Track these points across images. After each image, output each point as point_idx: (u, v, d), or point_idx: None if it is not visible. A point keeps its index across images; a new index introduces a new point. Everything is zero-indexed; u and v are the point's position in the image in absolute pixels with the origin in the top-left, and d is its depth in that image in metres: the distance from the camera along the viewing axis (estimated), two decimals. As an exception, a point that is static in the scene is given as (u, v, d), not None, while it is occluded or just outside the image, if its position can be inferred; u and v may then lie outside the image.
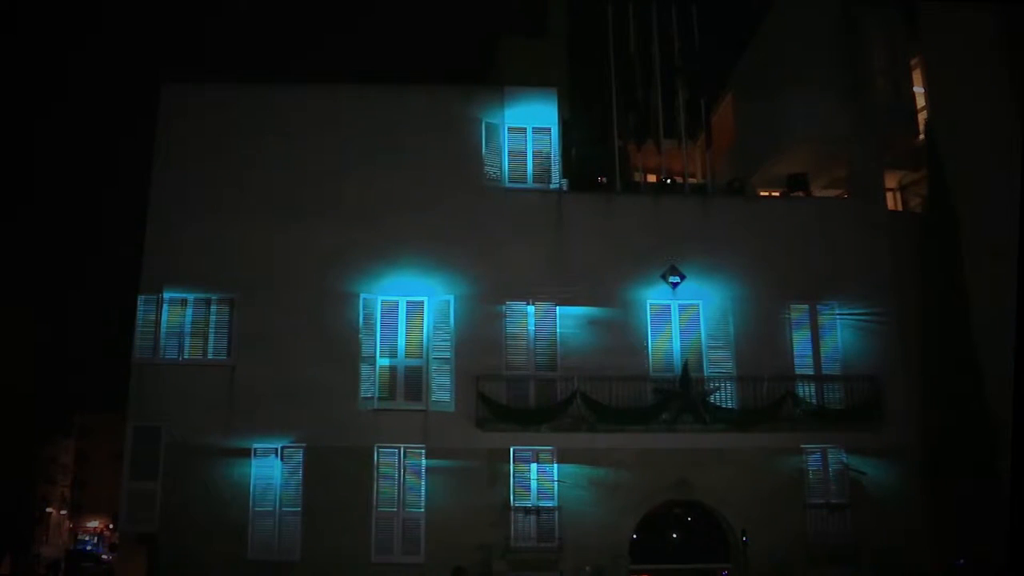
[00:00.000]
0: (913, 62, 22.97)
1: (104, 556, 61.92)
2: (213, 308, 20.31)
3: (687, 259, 20.82)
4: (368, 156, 21.18)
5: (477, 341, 20.12)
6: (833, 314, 20.83)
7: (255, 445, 19.55)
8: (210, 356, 20.09)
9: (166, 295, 20.26)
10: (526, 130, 21.59)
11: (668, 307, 20.71)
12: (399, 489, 19.50)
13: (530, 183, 21.37)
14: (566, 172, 21.87)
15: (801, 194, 22.12)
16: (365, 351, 20.12)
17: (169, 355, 20.06)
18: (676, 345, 20.49)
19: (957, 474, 19.27)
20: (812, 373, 20.50)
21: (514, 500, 19.47)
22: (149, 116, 21.50)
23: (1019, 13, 21.04)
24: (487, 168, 21.29)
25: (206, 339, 20.20)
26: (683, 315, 20.68)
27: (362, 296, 20.39)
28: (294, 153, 21.13)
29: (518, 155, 21.48)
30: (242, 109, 21.52)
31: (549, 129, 21.60)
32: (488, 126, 21.49)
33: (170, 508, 19.14)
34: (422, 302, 20.45)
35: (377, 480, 19.50)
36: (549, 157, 21.49)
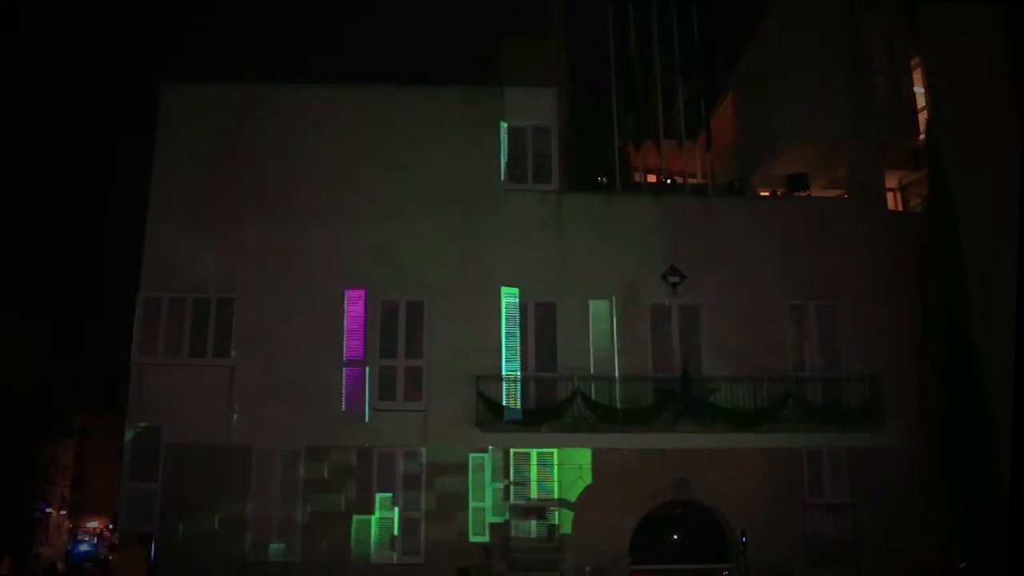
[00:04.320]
0: (913, 62, 22.96)
1: (108, 557, 61.90)
2: (213, 308, 20.29)
3: (687, 259, 20.83)
4: (368, 156, 21.18)
5: (477, 341, 20.11)
6: (833, 314, 20.82)
7: (255, 445, 19.55)
8: (210, 356, 20.07)
9: (166, 295, 20.26)
10: (526, 130, 21.57)
11: (668, 307, 20.71)
12: (399, 489, 19.49)
13: (530, 183, 21.36)
14: (566, 172, 21.86)
15: (801, 194, 22.12)
16: (365, 351, 20.10)
17: (169, 355, 20.05)
18: (676, 345, 20.48)
19: (957, 474, 19.28)
20: (812, 373, 20.49)
21: (514, 500, 19.46)
22: (149, 116, 21.53)
23: (1019, 13, 21.02)
24: (487, 168, 21.28)
25: (206, 339, 20.18)
26: (683, 315, 20.67)
27: (362, 296, 20.38)
28: (294, 153, 21.13)
29: (518, 155, 21.48)
30: (242, 109, 21.50)
31: (549, 129, 21.58)
32: (488, 126, 21.48)
33: (170, 508, 19.14)
34: (422, 302, 20.45)
35: (377, 480, 19.49)
36: (549, 157, 21.47)
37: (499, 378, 19.95)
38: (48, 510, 70.75)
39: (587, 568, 18.99)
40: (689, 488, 19.68)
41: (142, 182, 21.23)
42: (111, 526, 64.84)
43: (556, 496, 19.56)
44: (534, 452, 19.74)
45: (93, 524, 78.09)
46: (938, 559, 18.80)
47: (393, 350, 20.24)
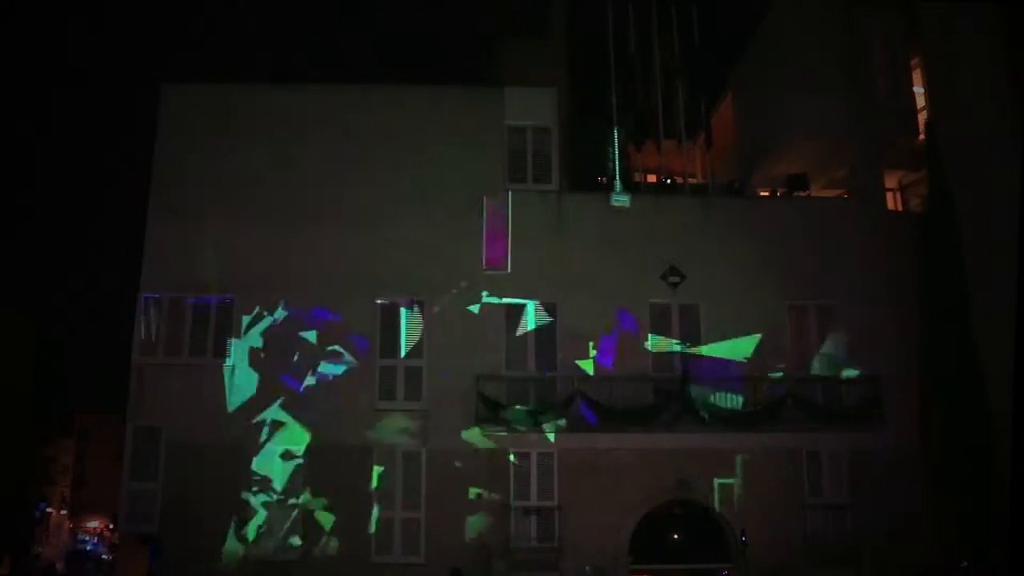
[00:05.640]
0: (913, 62, 22.96)
1: (104, 556, 61.98)
2: (213, 308, 20.30)
3: (687, 259, 20.83)
4: (368, 156, 21.19)
5: (477, 341, 20.12)
6: (833, 314, 20.82)
7: (255, 445, 19.55)
8: (210, 356, 20.07)
9: (166, 295, 20.27)
10: (526, 130, 21.59)
11: (668, 307, 20.71)
12: (399, 489, 19.50)
13: (530, 183, 21.37)
14: (566, 172, 21.87)
15: (801, 194, 22.13)
16: (365, 351, 20.11)
17: (169, 355, 20.05)
18: (676, 345, 20.49)
19: (957, 474, 19.28)
20: (812, 373, 20.49)
21: (514, 500, 19.47)
22: (149, 116, 21.53)
23: (1019, 13, 21.03)
24: (487, 168, 21.27)
25: (206, 339, 20.19)
26: (683, 315, 20.67)
27: (361, 296, 20.38)
28: (294, 153, 21.13)
29: (518, 155, 21.48)
30: (242, 109, 21.51)
31: (549, 129, 21.60)
32: (488, 126, 21.48)
33: (170, 508, 19.15)
34: (422, 302, 20.46)
35: (377, 480, 19.50)
36: (549, 157, 21.48)
37: (499, 378, 19.95)
38: (48, 510, 70.75)
39: (587, 568, 18.99)
40: (689, 488, 19.68)
41: (142, 182, 21.27)
42: (111, 526, 64.89)
43: (556, 495, 19.56)
44: (534, 452, 19.74)
45: (93, 524, 78.12)
46: (938, 559, 18.80)
47: (393, 350, 20.25)
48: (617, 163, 22.04)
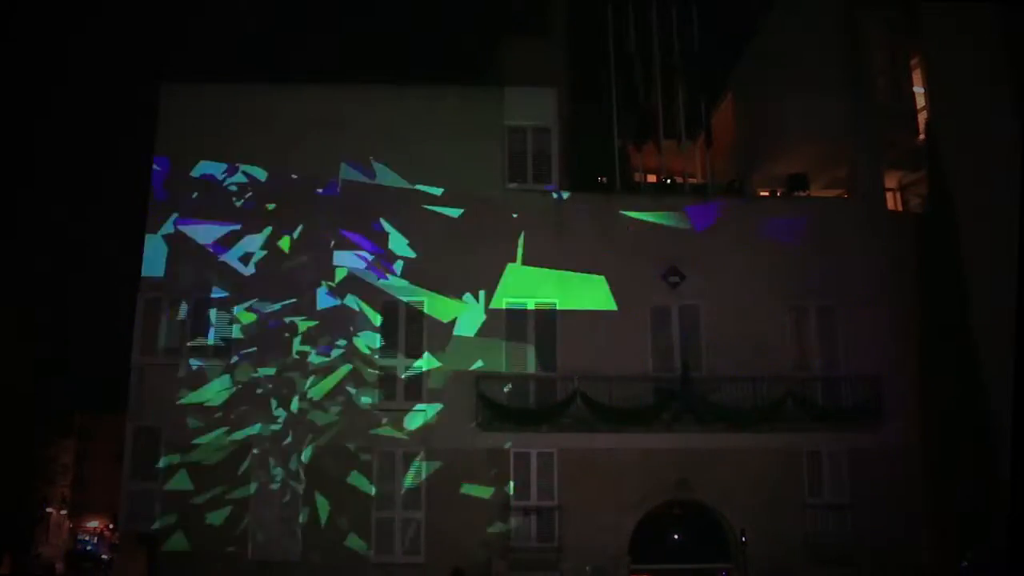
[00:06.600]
0: (913, 62, 22.98)
1: (103, 556, 61.99)
2: (213, 308, 20.29)
3: (687, 259, 20.83)
4: (368, 157, 21.18)
5: (478, 341, 20.12)
6: (833, 314, 20.82)
7: (255, 445, 19.56)
8: (210, 356, 20.07)
9: (166, 295, 20.25)
10: (526, 130, 21.59)
11: (668, 307, 20.71)
12: (399, 489, 19.51)
13: (530, 183, 21.37)
14: (566, 172, 21.86)
15: (801, 194, 22.13)
16: (365, 351, 20.12)
17: (169, 355, 20.04)
18: (676, 345, 20.49)
19: (957, 474, 19.29)
20: (812, 373, 20.49)
21: (514, 500, 19.47)
22: (149, 116, 21.50)
23: (1019, 13, 21.04)
24: (487, 168, 21.26)
25: (206, 339, 20.18)
26: (683, 315, 20.67)
27: (362, 297, 20.38)
28: (294, 154, 21.12)
29: (518, 155, 21.48)
30: (242, 109, 21.48)
31: (549, 129, 21.61)
32: (488, 126, 21.47)
33: (170, 508, 19.14)
34: (422, 302, 20.46)
35: (377, 480, 19.50)
36: (549, 157, 21.49)
37: (499, 378, 19.96)
38: (48, 510, 70.71)
39: (587, 568, 19.00)
40: (689, 488, 19.68)
41: (142, 182, 21.25)
42: (111, 526, 64.89)
43: (556, 496, 19.56)
44: (534, 452, 19.75)
45: (93, 524, 78.08)
46: (938, 559, 18.82)
47: (394, 350, 20.25)
48: (617, 163, 22.04)
